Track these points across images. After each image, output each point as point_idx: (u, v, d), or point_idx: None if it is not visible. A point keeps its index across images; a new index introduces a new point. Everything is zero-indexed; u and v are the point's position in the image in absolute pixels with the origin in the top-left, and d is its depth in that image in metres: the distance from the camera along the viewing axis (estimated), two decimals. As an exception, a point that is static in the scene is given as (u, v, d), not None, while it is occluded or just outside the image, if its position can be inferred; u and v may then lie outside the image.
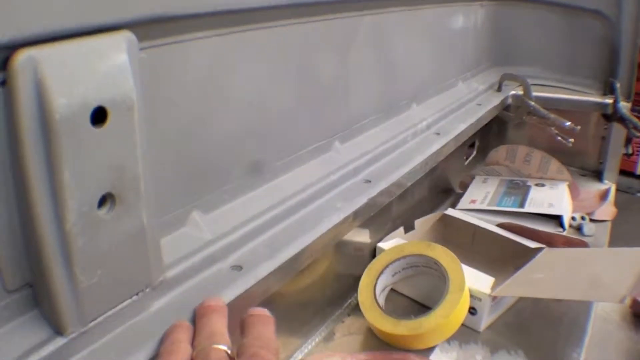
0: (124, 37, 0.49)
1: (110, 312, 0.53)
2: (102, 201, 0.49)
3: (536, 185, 1.37)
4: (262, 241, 0.70)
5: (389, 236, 1.05)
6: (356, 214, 0.81)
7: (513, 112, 1.52)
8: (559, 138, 1.42)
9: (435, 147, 1.07)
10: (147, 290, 0.57)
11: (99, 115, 0.47)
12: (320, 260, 0.86)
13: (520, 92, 1.50)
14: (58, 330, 0.50)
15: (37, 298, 0.50)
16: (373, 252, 1.02)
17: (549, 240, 1.10)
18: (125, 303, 0.55)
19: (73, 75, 0.45)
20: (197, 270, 0.63)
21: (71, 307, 0.49)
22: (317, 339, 0.89)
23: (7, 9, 0.40)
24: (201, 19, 0.60)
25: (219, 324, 0.54)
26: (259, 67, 0.71)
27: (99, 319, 0.52)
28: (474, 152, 1.50)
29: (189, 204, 0.66)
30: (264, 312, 0.57)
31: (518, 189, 1.35)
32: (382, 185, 0.89)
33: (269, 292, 0.66)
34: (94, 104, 0.46)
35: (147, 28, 0.53)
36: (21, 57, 0.42)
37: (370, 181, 0.89)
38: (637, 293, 0.99)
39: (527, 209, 1.25)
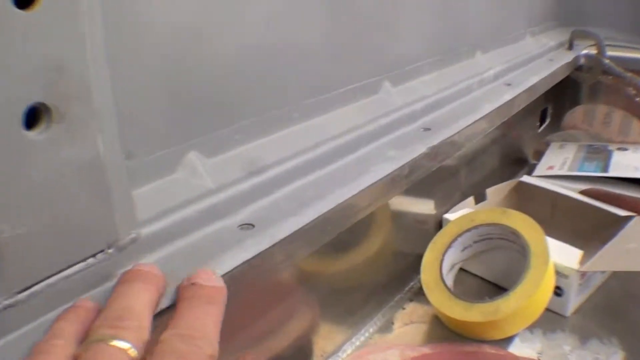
0: None
1: (51, 280, 0.36)
2: (32, 115, 0.32)
3: (618, 149, 1.21)
4: (284, 194, 0.52)
5: (456, 206, 0.89)
6: (413, 167, 0.63)
7: (586, 73, 1.36)
8: (638, 99, 1.28)
9: (506, 97, 0.89)
10: (111, 251, 0.38)
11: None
12: (374, 235, 0.69)
13: (593, 52, 1.35)
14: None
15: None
16: (438, 225, 0.86)
17: (639, 207, 0.93)
18: (75, 268, 0.37)
19: None
20: (191, 227, 0.45)
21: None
22: (371, 330, 0.72)
23: None
24: None
25: (138, 301, 0.36)
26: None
27: (33, 289, 0.35)
28: (548, 119, 1.34)
29: (185, 143, 0.47)
30: (210, 280, 0.39)
31: (599, 153, 1.19)
32: (446, 133, 0.70)
33: (292, 261, 0.48)
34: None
35: None
36: None
37: (430, 129, 0.71)
38: None
39: (612, 173, 1.10)
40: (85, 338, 0.33)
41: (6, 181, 0.31)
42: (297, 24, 0.57)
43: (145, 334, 0.34)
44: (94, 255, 0.37)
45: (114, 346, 0.32)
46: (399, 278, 0.79)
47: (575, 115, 1.33)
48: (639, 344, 0.70)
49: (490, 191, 0.96)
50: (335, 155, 0.59)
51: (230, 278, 0.41)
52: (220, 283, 0.39)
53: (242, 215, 0.47)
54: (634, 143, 1.25)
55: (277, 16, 0.54)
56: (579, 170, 1.11)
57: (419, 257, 0.77)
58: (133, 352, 0.32)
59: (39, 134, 0.32)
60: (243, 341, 0.51)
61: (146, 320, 0.35)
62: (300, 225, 0.47)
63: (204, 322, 0.36)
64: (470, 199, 0.92)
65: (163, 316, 0.37)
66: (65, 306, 0.36)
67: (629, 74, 1.26)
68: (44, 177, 0.33)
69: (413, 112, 0.72)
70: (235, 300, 0.40)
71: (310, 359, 0.63)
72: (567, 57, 1.27)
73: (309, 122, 0.59)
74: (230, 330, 0.45)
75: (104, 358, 0.31)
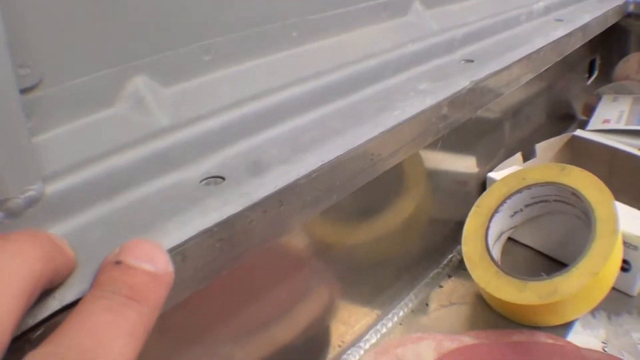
0: None
1: None
2: None
3: None
4: (271, 136, 0.37)
5: (502, 164, 0.78)
6: (453, 105, 0.48)
7: (636, 20, 1.26)
8: None
9: (560, 32, 0.75)
10: (-1, 216, 0.24)
11: None
12: (406, 198, 0.57)
13: None
14: None
15: None
16: (482, 186, 0.75)
17: None
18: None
19: None
20: (128, 182, 0.30)
21: None
22: (401, 313, 0.61)
23: None
24: None
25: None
26: None
27: None
28: (596, 71, 1.24)
29: (128, 63, 0.32)
30: (148, 258, 0.23)
31: None
32: (493, 67, 0.56)
33: (283, 231, 0.33)
34: None
35: None
36: None
37: (472, 61, 0.57)
38: None
39: None
40: None
41: None
42: None
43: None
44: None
45: None
46: (435, 249, 0.68)
47: (628, 65, 1.22)
48: None
49: (540, 146, 0.86)
50: (348, 86, 0.44)
51: (182, 255, 0.26)
52: (165, 268, 0.23)
53: (208, 165, 0.32)
54: None
55: None
56: (639, 123, 0.99)
57: (459, 224, 0.66)
58: None
59: None
60: (229, 336, 0.38)
61: (9, 312, 0.20)
62: (293, 179, 0.32)
63: (109, 338, 0.20)
64: (518, 156, 0.81)
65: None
66: None
67: None
68: None
69: (451, 41, 0.58)
70: (201, 284, 0.25)
71: (326, 350, 0.52)
72: (617, 0, 1.15)
73: (312, 44, 0.44)
74: (207, 326, 0.31)
75: None
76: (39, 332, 0.22)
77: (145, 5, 0.32)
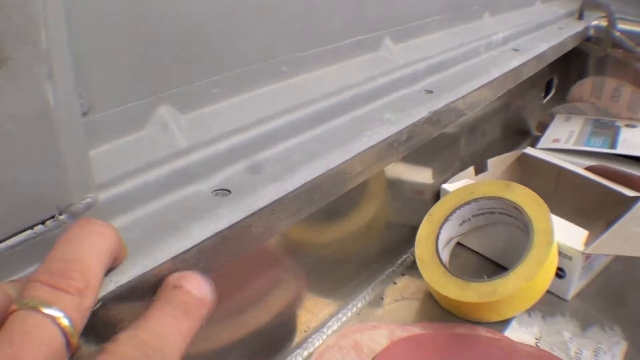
0: None
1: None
2: None
3: (626, 126, 1.15)
4: (266, 157, 0.45)
5: (456, 177, 0.83)
6: (412, 133, 0.56)
7: (595, 45, 1.30)
8: None
9: (514, 62, 0.82)
10: (63, 217, 0.32)
11: None
12: (367, 204, 0.63)
13: (603, 24, 1.28)
14: None
15: None
16: (436, 196, 0.80)
17: None
18: (19, 237, 0.31)
19: None
20: (157, 192, 0.39)
21: None
22: (359, 304, 0.67)
23: None
24: None
25: (89, 253, 0.29)
26: None
27: None
28: (553, 90, 1.28)
29: (155, 95, 0.41)
30: (198, 288, 0.33)
31: (606, 129, 1.13)
32: (449, 97, 0.63)
33: (273, 233, 0.42)
34: None
35: None
36: None
37: (432, 92, 0.64)
38: None
39: (620, 150, 1.03)
40: (17, 299, 0.27)
41: None
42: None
43: (89, 299, 0.28)
44: (42, 222, 0.31)
45: (41, 317, 0.25)
46: (391, 250, 0.73)
47: (583, 88, 1.27)
48: None
49: (491, 162, 0.91)
50: (327, 115, 0.52)
51: (199, 251, 0.35)
52: (208, 295, 0.33)
53: (217, 180, 0.41)
54: None
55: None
56: (586, 145, 1.05)
57: (414, 228, 0.72)
58: (65, 322, 0.26)
59: None
60: (216, 315, 0.45)
61: (95, 279, 0.29)
62: (283, 193, 0.41)
63: (171, 333, 0.29)
64: (471, 169, 0.86)
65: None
66: (8, 280, 0.30)
67: None
68: None
69: (415, 73, 0.66)
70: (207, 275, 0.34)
71: (293, 334, 0.58)
72: (577, 26, 1.20)
73: (299, 77, 0.52)
74: None
75: (23, 335, 0.25)
76: (99, 305, 0.31)
77: (167, 49, 0.41)
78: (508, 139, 1.07)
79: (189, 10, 0.41)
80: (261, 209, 0.39)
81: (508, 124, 1.05)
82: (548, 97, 1.26)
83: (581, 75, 1.36)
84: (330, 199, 0.47)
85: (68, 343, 0.26)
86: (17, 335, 0.24)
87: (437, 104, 0.61)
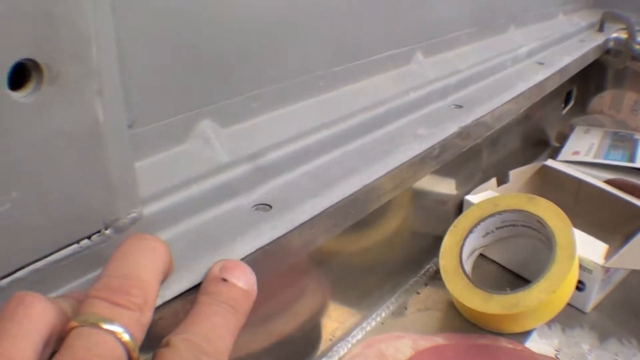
0: None
1: (38, 265, 0.30)
2: (18, 74, 0.26)
3: None
4: (304, 172, 0.46)
5: (479, 188, 0.83)
6: (443, 147, 0.57)
7: (615, 57, 1.30)
8: None
9: (539, 77, 0.83)
10: (108, 232, 0.33)
11: None
12: (391, 214, 0.63)
13: (623, 36, 1.29)
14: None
15: None
16: (459, 207, 0.81)
17: None
18: (66, 251, 0.31)
19: None
20: (199, 206, 0.39)
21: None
22: (383, 314, 0.67)
23: None
24: None
25: (146, 269, 0.29)
26: None
27: (17, 274, 0.29)
28: (572, 101, 1.28)
29: (197, 109, 0.41)
30: (244, 279, 0.33)
31: (625, 141, 1.13)
32: (478, 112, 0.64)
33: (312, 247, 0.42)
34: None
35: None
36: None
37: (462, 106, 0.65)
38: None
39: (639, 163, 1.04)
40: (75, 315, 0.27)
41: None
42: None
43: (148, 315, 0.28)
44: (88, 237, 0.32)
45: (102, 334, 0.26)
46: (415, 260, 0.74)
47: (603, 100, 1.27)
48: None
49: (513, 173, 0.91)
50: (362, 130, 0.53)
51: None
52: (253, 287, 0.33)
53: (258, 194, 0.42)
54: None
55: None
56: (605, 158, 1.05)
57: (437, 239, 0.72)
58: (126, 338, 0.26)
59: (27, 97, 0.26)
60: (248, 324, 0.46)
61: (152, 295, 0.29)
62: (322, 209, 0.41)
63: (221, 334, 0.29)
64: (493, 181, 0.86)
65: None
66: (53, 295, 0.31)
67: None
68: (31, 147, 0.27)
69: (445, 87, 0.66)
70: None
71: (318, 342, 0.58)
72: (598, 39, 1.20)
73: (335, 92, 0.53)
74: None
75: (86, 351, 0.25)
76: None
77: (209, 65, 0.41)
78: (528, 149, 1.08)
79: (230, 28, 0.42)
80: (301, 224, 0.39)
81: (528, 134, 1.05)
82: (567, 108, 1.26)
83: (600, 87, 1.37)
84: (366, 214, 0.47)
85: (130, 358, 0.26)
86: (80, 351, 0.25)
87: (467, 119, 0.61)
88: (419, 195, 0.69)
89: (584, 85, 1.29)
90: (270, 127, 0.45)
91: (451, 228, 0.72)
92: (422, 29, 0.66)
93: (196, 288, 0.33)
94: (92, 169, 0.30)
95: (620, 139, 1.14)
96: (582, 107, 1.31)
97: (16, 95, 0.26)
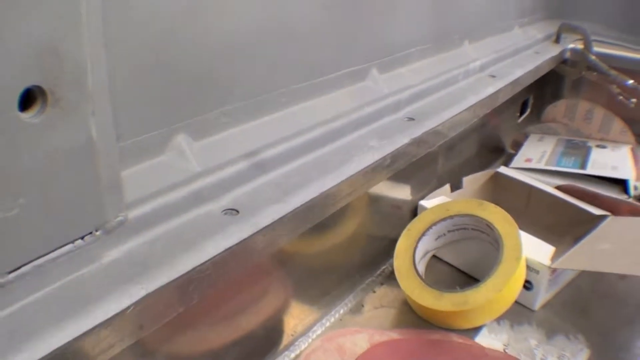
0: None
1: (39, 261, 0.36)
2: (27, 98, 0.32)
3: (597, 146, 1.23)
4: (269, 180, 0.52)
5: (433, 194, 0.89)
6: (395, 157, 0.64)
7: (571, 67, 1.37)
8: (620, 98, 1.28)
9: (490, 89, 0.90)
10: (98, 233, 0.39)
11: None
12: (349, 217, 0.69)
13: (580, 47, 1.36)
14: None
15: None
16: (414, 212, 0.87)
17: (613, 207, 0.96)
18: (62, 249, 0.37)
19: None
20: (176, 211, 0.45)
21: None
22: (341, 311, 0.73)
23: None
24: None
25: None
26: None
27: (22, 269, 0.35)
28: (528, 109, 1.35)
29: (173, 125, 0.48)
30: None
31: (577, 149, 1.21)
32: (428, 124, 0.71)
33: (275, 248, 0.49)
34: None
35: None
36: None
37: (413, 119, 0.72)
38: None
39: (589, 170, 1.11)
40: None
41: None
42: (288, 6, 0.57)
43: None
44: (82, 238, 0.38)
45: None
46: (371, 261, 0.80)
47: (556, 109, 1.34)
48: (605, 342, 0.71)
49: (466, 180, 0.97)
50: (320, 142, 0.59)
51: (213, 264, 0.41)
52: None
53: (227, 201, 0.48)
54: (614, 141, 1.26)
55: (272, 4, 0.55)
56: (557, 165, 1.12)
57: (392, 241, 0.78)
58: None
59: (34, 117, 0.33)
60: (215, 319, 0.52)
61: None
62: (283, 213, 0.48)
63: None
64: (447, 187, 0.92)
65: None
66: (52, 287, 0.37)
67: (614, 72, 1.26)
68: (35, 160, 0.33)
69: (398, 101, 0.73)
70: (215, 285, 0.41)
71: (281, 338, 0.64)
72: (553, 50, 1.28)
73: (296, 107, 0.60)
74: (204, 311, 0.46)
75: None
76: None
77: (183, 84, 0.47)
78: (483, 156, 1.13)
79: (202, 51, 0.48)
80: (265, 227, 0.46)
81: (484, 142, 1.11)
82: (523, 117, 1.33)
83: (556, 95, 1.44)
84: (323, 217, 0.54)
85: None
86: None
87: (417, 131, 0.68)
88: (376, 201, 0.75)
89: (540, 95, 1.36)
90: (238, 139, 0.52)
91: (405, 231, 0.79)
92: (378, 47, 0.73)
93: (174, 282, 0.39)
94: (86, 179, 0.37)
95: (573, 147, 1.21)
96: (538, 115, 1.38)
97: (25, 116, 0.32)
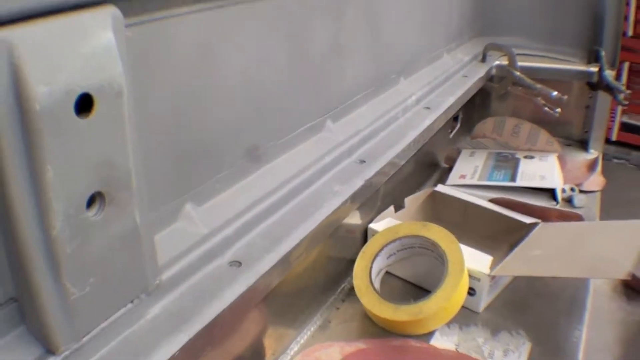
0: (109, 13, 0.43)
1: (104, 324, 0.48)
2: (91, 201, 0.44)
3: (525, 157, 1.36)
4: (259, 232, 0.66)
5: (379, 216, 1.02)
6: (354, 197, 0.77)
7: (497, 83, 1.49)
8: (546, 109, 1.39)
9: (426, 122, 1.03)
10: (143, 296, 0.52)
11: (84, 104, 0.42)
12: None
13: (505, 63, 1.48)
14: (48, 348, 0.45)
15: (24, 314, 0.45)
16: (364, 233, 0.99)
17: (543, 215, 1.09)
18: (120, 312, 0.50)
19: (54, 58, 0.39)
20: (194, 269, 0.58)
21: (62, 323, 0.44)
22: (312, 329, 0.85)
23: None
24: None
25: None
26: (250, 44, 0.66)
27: (92, 333, 0.47)
28: (458, 125, 1.47)
29: (182, 196, 0.60)
30: None
31: (507, 162, 1.33)
32: (377, 165, 0.85)
33: (271, 288, 0.62)
34: (79, 90, 0.41)
35: (131, 2, 0.48)
36: (-7, 40, 0.36)
37: (364, 161, 0.85)
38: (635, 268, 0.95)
39: (519, 182, 1.23)
40: None
41: (76, 256, 0.43)
42: (264, 82, 0.70)
43: None
44: (131, 301, 0.50)
45: None
46: (332, 281, 0.92)
47: (485, 126, 1.46)
48: (544, 335, 0.83)
49: (408, 200, 1.09)
50: (293, 193, 0.73)
51: (230, 309, 0.54)
52: None
53: (230, 255, 0.61)
54: (541, 151, 1.39)
55: (248, 78, 0.67)
56: (489, 179, 1.24)
57: (349, 261, 0.90)
58: None
59: (97, 215, 0.45)
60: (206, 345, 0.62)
61: None
62: (275, 261, 0.61)
63: None
64: (391, 208, 1.04)
65: None
66: (113, 343, 0.49)
67: (539, 85, 1.36)
68: (100, 248, 0.46)
69: (351, 146, 0.86)
70: (232, 325, 0.53)
71: (264, 358, 0.75)
72: (481, 71, 1.40)
73: (271, 164, 0.73)
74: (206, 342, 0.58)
75: None
76: None
77: (189, 161, 0.60)
78: (420, 172, 1.26)
79: (199, 133, 0.61)
80: (264, 274, 0.59)
81: (420, 160, 1.22)
82: (454, 132, 1.45)
83: (485, 109, 1.57)
84: (305, 256, 0.67)
85: None
86: None
87: (369, 172, 0.82)
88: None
89: (469, 110, 1.48)
90: (231, 200, 0.65)
91: (360, 254, 0.91)
92: (331, 99, 0.86)
93: (205, 328, 0.52)
94: (134, 255, 0.49)
95: (503, 159, 1.33)
96: (468, 129, 1.50)
97: (90, 214, 0.44)
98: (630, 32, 2.66)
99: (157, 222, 0.57)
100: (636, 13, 2.66)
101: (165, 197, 0.58)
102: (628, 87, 2.75)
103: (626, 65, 2.74)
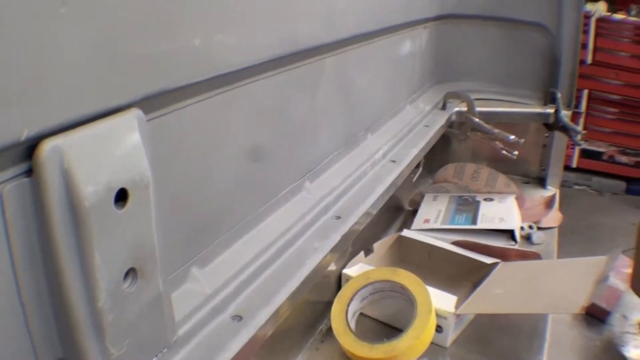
0: (134, 115, 0.53)
1: (135, 377, 0.58)
2: (125, 276, 0.53)
3: (485, 200, 1.45)
4: (255, 288, 0.76)
5: (351, 262, 1.12)
6: (333, 250, 0.88)
7: (457, 129, 1.58)
8: (504, 152, 1.49)
9: (393, 175, 1.14)
10: (165, 350, 0.61)
11: (120, 196, 0.51)
12: None
13: (464, 109, 1.57)
14: (92, 402, 0.54)
15: (72, 373, 0.54)
16: (339, 278, 1.09)
17: (503, 255, 1.18)
18: (143, 370, 0.59)
19: (95, 160, 0.48)
20: (203, 325, 0.68)
21: (105, 378, 0.53)
22: None
23: (32, 103, 0.43)
24: (194, 86, 0.64)
25: None
26: (243, 121, 0.77)
27: None
28: (420, 169, 1.54)
29: (189, 261, 0.70)
30: None
31: (468, 205, 1.43)
32: (352, 220, 0.95)
33: (266, 337, 0.71)
34: (117, 187, 0.50)
35: (150, 102, 0.58)
36: (47, 147, 0.45)
37: (340, 217, 0.96)
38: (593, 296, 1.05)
39: (480, 225, 1.33)
40: None
41: (115, 322, 0.53)
42: (256, 153, 0.80)
43: None
44: (156, 356, 0.60)
45: None
46: (311, 324, 1.01)
47: (446, 172, 1.55)
48: None
49: (376, 245, 1.20)
50: (280, 251, 0.83)
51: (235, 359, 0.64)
52: None
53: (231, 310, 0.71)
54: (499, 193, 1.49)
55: (244, 150, 0.78)
56: (451, 222, 1.34)
57: (325, 304, 1.00)
58: None
59: (130, 287, 0.54)
60: None
61: None
62: (270, 314, 0.71)
63: None
64: (361, 254, 1.15)
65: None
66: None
67: (496, 130, 1.47)
68: (133, 314, 0.55)
69: (327, 204, 0.97)
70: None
71: None
72: (441, 119, 1.50)
73: (260, 226, 0.84)
74: None
75: None
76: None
77: (192, 231, 0.70)
78: (386, 216, 1.36)
79: (203, 204, 0.71)
80: (262, 325, 0.69)
81: (386, 204, 1.25)
82: (416, 176, 1.53)
83: (445, 153, 1.67)
84: (293, 308, 0.77)
85: None
86: None
87: (345, 227, 0.92)
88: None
89: (431, 154, 1.54)
90: (229, 261, 0.75)
91: (337, 298, 1.02)
92: (308, 161, 0.97)
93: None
94: (158, 317, 0.59)
95: (464, 203, 1.43)
96: (430, 171, 1.59)
97: (125, 286, 0.54)
98: (589, 60, 2.79)
99: (171, 285, 0.67)
100: (594, 41, 2.79)
101: (176, 263, 0.68)
102: (587, 114, 2.89)
103: (585, 92, 2.87)
